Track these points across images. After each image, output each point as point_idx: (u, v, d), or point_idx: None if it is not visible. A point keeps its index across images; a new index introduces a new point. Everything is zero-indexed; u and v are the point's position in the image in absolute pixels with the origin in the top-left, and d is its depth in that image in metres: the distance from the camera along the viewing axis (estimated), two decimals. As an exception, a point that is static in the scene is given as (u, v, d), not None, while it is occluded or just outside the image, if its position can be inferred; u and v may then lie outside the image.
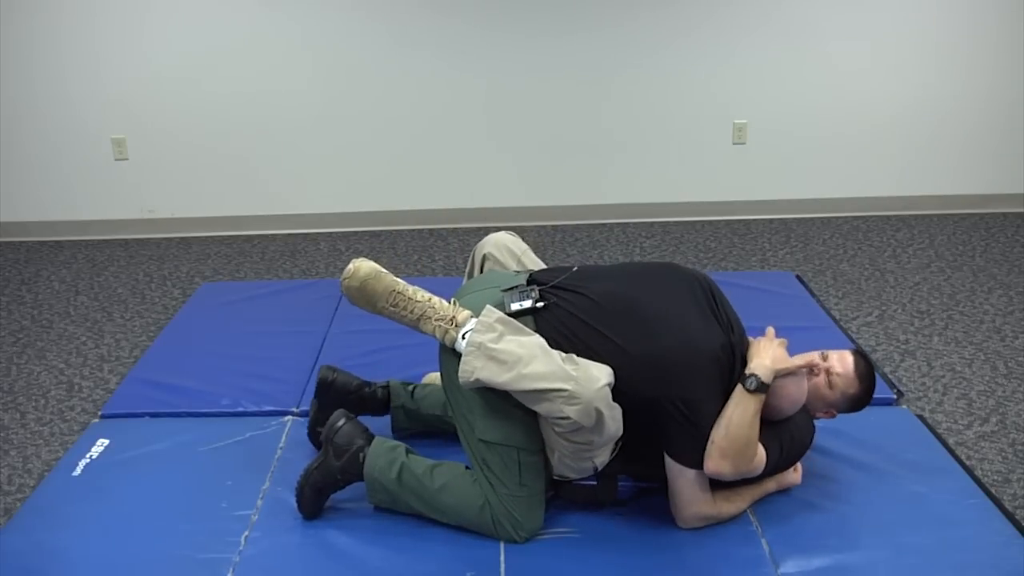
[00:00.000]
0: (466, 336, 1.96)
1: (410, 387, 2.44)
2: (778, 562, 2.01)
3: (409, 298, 2.06)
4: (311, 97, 4.32)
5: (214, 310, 3.41)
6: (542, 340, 1.95)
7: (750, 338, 2.10)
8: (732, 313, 2.13)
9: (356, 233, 4.49)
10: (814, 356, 2.12)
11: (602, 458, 2.00)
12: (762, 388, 1.96)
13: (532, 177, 4.52)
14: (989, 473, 2.45)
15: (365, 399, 2.36)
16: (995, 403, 2.81)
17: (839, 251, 4.16)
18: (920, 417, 2.65)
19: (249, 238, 4.45)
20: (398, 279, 2.10)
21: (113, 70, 4.20)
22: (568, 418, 1.87)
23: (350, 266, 2.08)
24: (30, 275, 4.02)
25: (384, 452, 2.09)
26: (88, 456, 2.41)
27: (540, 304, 2.03)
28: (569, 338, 1.99)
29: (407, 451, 2.12)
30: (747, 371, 1.98)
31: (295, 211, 4.51)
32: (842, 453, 2.38)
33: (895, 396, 2.75)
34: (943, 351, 3.16)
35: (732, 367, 2.01)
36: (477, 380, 1.93)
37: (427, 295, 2.07)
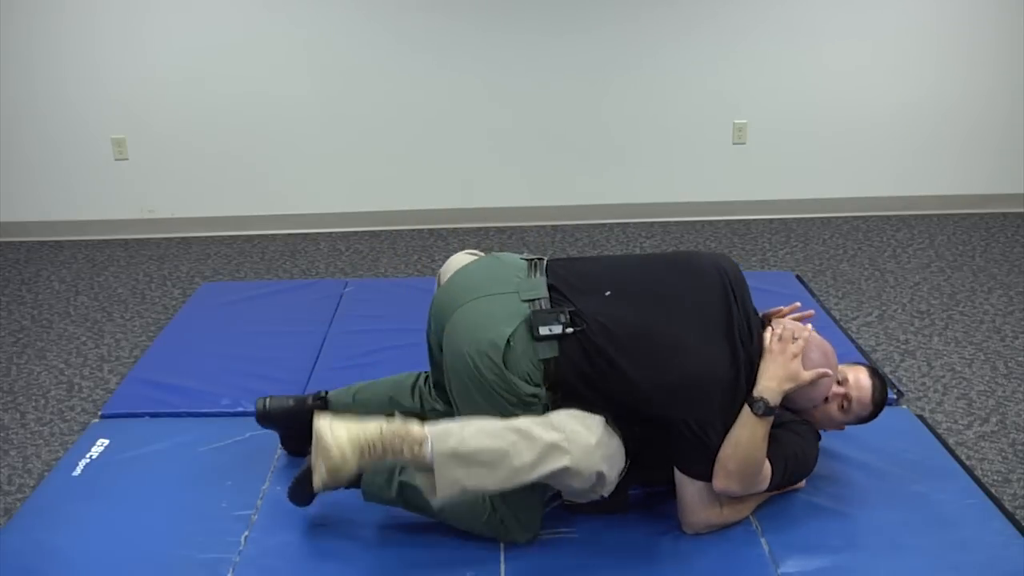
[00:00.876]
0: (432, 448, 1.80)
1: (352, 391, 2.32)
2: (778, 562, 2.01)
3: (374, 442, 1.79)
4: (311, 97, 4.32)
5: (214, 310, 3.41)
6: (498, 419, 1.85)
7: (766, 337, 2.01)
8: (752, 313, 2.04)
9: (356, 233, 4.49)
10: (837, 378, 2.08)
11: (609, 489, 1.96)
12: (770, 412, 1.93)
13: (532, 177, 4.52)
14: (989, 473, 2.45)
15: (304, 404, 2.29)
16: (995, 403, 2.81)
17: (839, 251, 4.16)
18: (920, 417, 2.65)
19: (249, 238, 4.45)
20: (350, 426, 1.80)
21: (113, 70, 4.20)
22: (571, 485, 1.86)
23: (327, 443, 1.76)
24: (30, 275, 4.02)
25: (381, 468, 2.03)
26: (88, 456, 2.41)
27: (570, 330, 1.90)
28: (590, 363, 1.90)
29: (400, 472, 2.05)
30: (755, 393, 1.93)
31: (295, 211, 4.51)
32: (842, 453, 2.37)
33: (895, 396, 2.75)
34: (943, 351, 3.16)
35: (749, 381, 1.96)
36: (464, 489, 1.80)
37: (375, 425, 1.79)
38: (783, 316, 2.17)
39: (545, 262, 2.06)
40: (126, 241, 4.44)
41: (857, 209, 4.63)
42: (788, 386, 1.94)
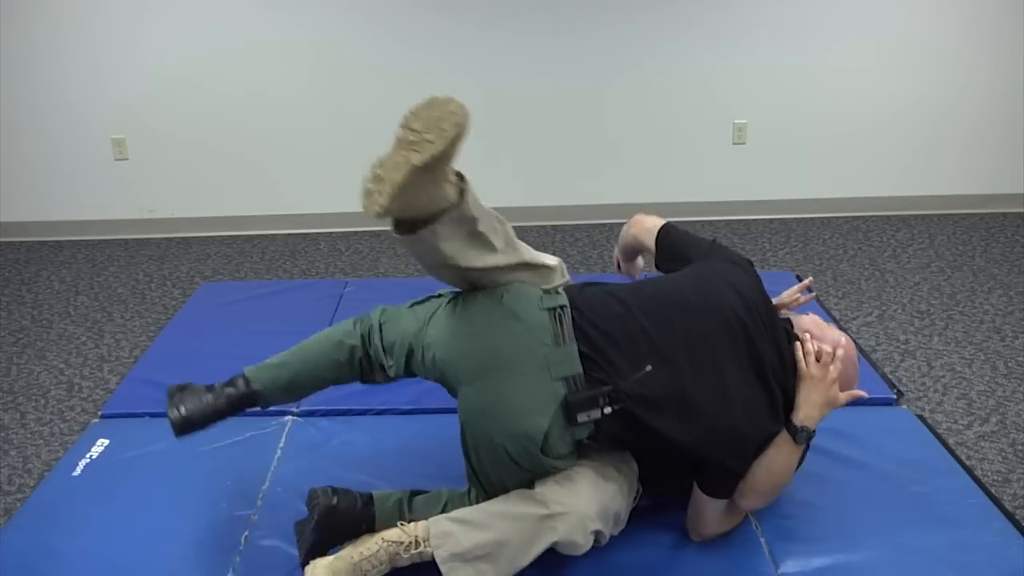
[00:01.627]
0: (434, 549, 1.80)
1: (284, 378, 2.06)
2: (778, 562, 2.01)
3: (371, 554, 1.83)
4: (311, 97, 4.32)
5: (214, 310, 3.41)
6: (486, 504, 1.84)
7: (799, 355, 1.92)
8: (781, 338, 1.93)
9: (356, 233, 4.49)
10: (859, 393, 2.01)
11: (618, 529, 1.95)
12: (811, 438, 1.91)
13: (532, 177, 4.52)
14: (989, 473, 2.45)
15: (233, 405, 2.00)
16: (995, 403, 2.81)
17: (839, 251, 4.16)
18: (920, 417, 2.64)
19: (249, 238, 4.45)
20: (346, 551, 1.85)
21: (113, 70, 4.21)
22: (572, 552, 1.83)
23: None
24: (30, 275, 4.02)
25: (389, 516, 1.95)
26: (88, 456, 2.41)
27: (609, 411, 1.77)
28: (627, 430, 1.82)
29: (410, 499, 2.00)
30: (798, 422, 1.89)
31: (295, 211, 4.51)
32: (842, 453, 2.37)
33: (895, 396, 2.75)
34: (943, 351, 3.16)
35: (785, 407, 1.92)
36: None
37: (375, 540, 1.84)
38: (795, 303, 2.15)
39: (569, 313, 1.84)
40: (126, 241, 4.44)
41: (857, 209, 4.63)
42: (827, 411, 1.92)
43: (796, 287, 2.22)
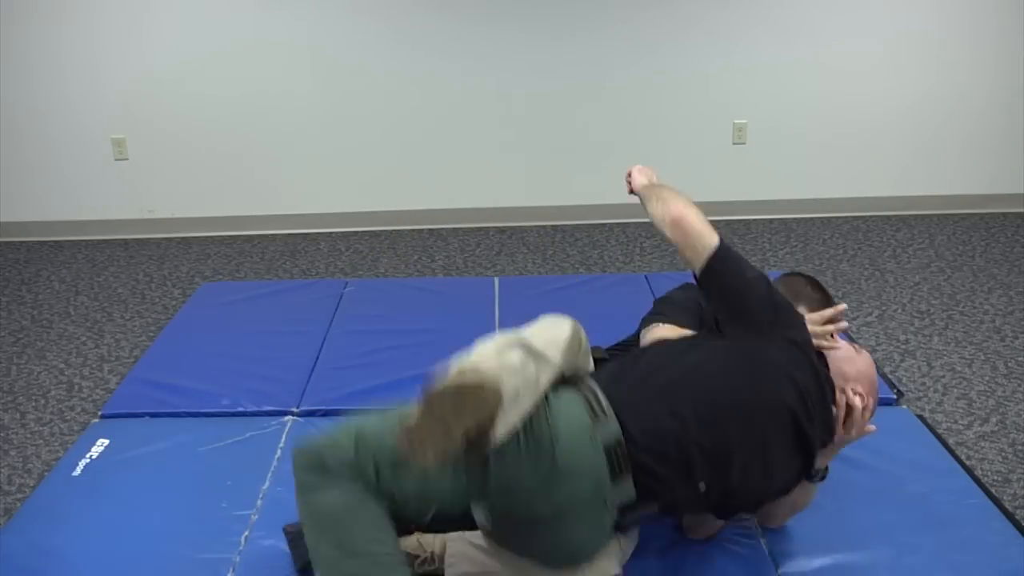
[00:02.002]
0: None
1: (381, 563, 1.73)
2: (778, 562, 2.01)
3: None
4: (312, 97, 4.32)
5: (214, 310, 3.41)
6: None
7: (839, 418, 1.89)
8: (829, 415, 1.87)
9: (356, 233, 4.49)
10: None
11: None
12: (824, 478, 1.96)
13: (532, 177, 4.52)
14: (989, 473, 2.45)
15: None
16: (995, 403, 2.81)
17: (839, 251, 4.16)
18: (920, 417, 2.65)
19: (249, 238, 4.45)
20: None
21: (113, 71, 4.21)
22: None
23: None
24: (30, 275, 4.02)
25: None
26: (88, 456, 2.41)
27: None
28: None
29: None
30: (815, 467, 1.90)
31: (295, 211, 4.51)
32: (842, 453, 2.35)
33: (895, 396, 2.75)
34: (943, 351, 3.16)
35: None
36: None
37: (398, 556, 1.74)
38: (826, 323, 2.01)
39: (624, 447, 1.68)
40: (126, 241, 4.44)
41: (857, 209, 4.63)
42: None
43: (829, 315, 2.01)
